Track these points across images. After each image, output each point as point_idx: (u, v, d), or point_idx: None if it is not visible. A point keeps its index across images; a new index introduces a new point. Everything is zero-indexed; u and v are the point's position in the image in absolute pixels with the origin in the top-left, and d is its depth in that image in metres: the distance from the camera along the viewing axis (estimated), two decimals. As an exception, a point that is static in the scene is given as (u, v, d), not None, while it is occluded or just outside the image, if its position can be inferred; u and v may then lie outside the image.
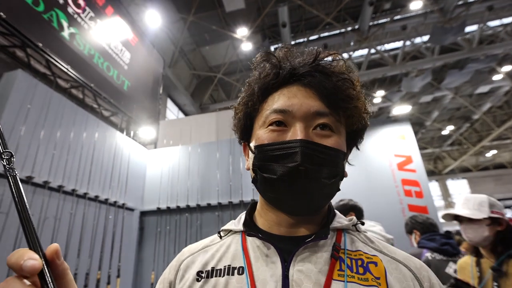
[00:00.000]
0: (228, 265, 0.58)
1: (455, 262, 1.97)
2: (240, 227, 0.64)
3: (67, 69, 4.11)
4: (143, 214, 5.01)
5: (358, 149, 0.68)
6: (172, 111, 10.75)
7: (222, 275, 0.57)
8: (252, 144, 0.61)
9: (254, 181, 0.60)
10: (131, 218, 4.69)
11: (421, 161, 5.28)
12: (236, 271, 0.56)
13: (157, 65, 6.92)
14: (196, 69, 11.41)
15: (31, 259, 0.35)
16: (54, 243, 0.39)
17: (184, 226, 4.79)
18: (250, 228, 0.62)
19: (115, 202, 4.23)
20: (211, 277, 0.58)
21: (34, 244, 0.37)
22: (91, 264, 3.64)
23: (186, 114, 11.59)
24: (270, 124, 0.58)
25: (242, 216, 0.67)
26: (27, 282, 0.35)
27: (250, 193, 4.65)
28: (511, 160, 20.07)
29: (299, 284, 0.51)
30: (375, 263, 0.54)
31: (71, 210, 3.54)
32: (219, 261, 0.60)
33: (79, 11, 4.63)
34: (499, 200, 1.69)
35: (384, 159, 5.39)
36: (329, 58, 0.61)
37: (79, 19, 4.58)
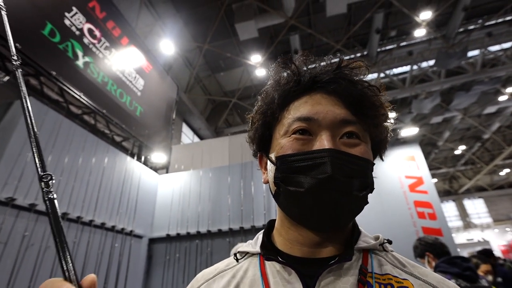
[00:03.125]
0: None
1: None
2: (257, 249, 0.56)
3: (79, 96, 3.96)
4: (152, 241, 4.62)
5: (383, 160, 0.60)
6: (187, 136, 10.58)
7: None
8: (272, 155, 0.53)
9: (276, 195, 0.53)
10: (139, 245, 4.30)
11: (432, 182, 4.99)
12: None
13: (170, 92, 6.78)
14: (211, 94, 11.41)
15: None
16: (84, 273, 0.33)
17: (194, 254, 4.37)
18: (268, 251, 0.53)
19: (122, 229, 3.88)
20: None
21: (71, 275, 0.34)
22: (93, 297, 3.28)
23: (201, 138, 11.42)
24: (294, 133, 0.51)
25: (260, 236, 0.59)
26: None
27: (262, 218, 4.27)
28: (526, 179, 19.07)
29: None
30: None
31: (74, 238, 3.22)
32: None
33: (95, 41, 4.53)
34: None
35: (395, 181, 5.17)
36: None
37: (94, 49, 4.48)
